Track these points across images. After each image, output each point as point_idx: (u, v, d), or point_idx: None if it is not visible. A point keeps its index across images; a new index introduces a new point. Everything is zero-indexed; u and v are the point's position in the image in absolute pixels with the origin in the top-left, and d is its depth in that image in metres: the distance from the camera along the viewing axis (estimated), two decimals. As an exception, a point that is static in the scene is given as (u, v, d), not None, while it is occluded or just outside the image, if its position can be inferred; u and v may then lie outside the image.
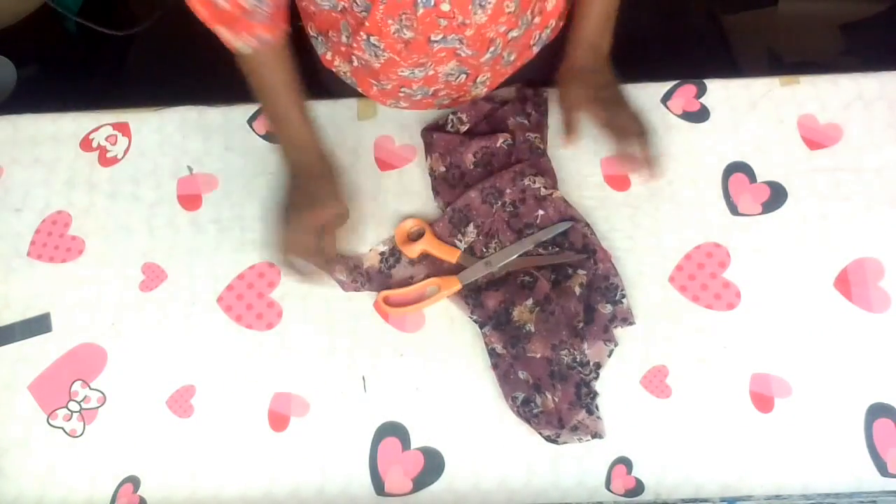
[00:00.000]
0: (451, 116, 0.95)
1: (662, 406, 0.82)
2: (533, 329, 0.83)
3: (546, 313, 0.83)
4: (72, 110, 1.01)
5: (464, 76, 0.89)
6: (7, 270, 0.92)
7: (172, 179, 0.96)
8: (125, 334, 0.88)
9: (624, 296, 0.85)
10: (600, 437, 0.80)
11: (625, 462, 0.80)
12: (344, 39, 0.87)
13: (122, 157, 0.97)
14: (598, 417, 0.81)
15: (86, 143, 0.99)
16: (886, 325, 0.84)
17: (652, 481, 0.79)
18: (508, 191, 0.90)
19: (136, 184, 0.96)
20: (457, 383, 0.84)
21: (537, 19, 0.89)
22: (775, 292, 0.86)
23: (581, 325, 0.83)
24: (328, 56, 0.94)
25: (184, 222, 0.93)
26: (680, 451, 0.80)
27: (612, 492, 0.79)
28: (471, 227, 0.90)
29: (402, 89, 0.91)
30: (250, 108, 0.99)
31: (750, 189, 0.91)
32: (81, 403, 0.85)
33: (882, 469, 0.78)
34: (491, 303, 0.85)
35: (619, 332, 0.84)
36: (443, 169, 0.93)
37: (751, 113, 0.95)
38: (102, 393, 0.86)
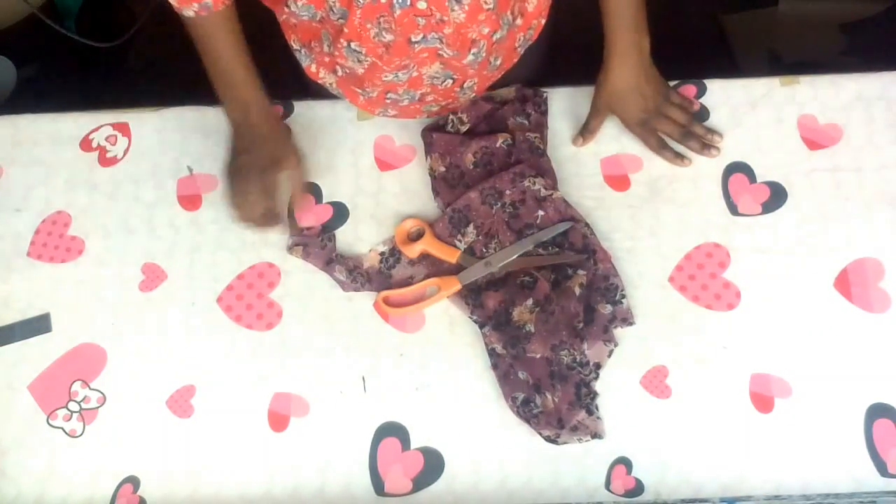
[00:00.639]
0: (451, 116, 0.94)
1: (662, 406, 0.82)
2: (533, 329, 0.83)
3: (546, 314, 0.83)
4: (72, 110, 1.01)
5: (450, 81, 0.88)
6: (7, 270, 0.92)
7: (172, 179, 0.96)
8: (125, 334, 0.88)
9: (624, 296, 0.85)
10: (600, 437, 0.80)
11: (625, 462, 0.80)
12: (326, 49, 0.86)
13: (122, 158, 0.97)
14: (598, 418, 0.81)
15: (86, 144, 0.98)
16: (886, 325, 0.84)
17: (652, 481, 0.79)
18: (508, 192, 0.90)
19: (136, 184, 0.96)
20: (457, 383, 0.84)
21: (519, 20, 0.88)
22: (775, 292, 0.86)
23: (581, 325, 0.83)
24: (313, 68, 0.93)
25: (184, 222, 0.93)
26: (680, 452, 0.80)
27: (611, 492, 0.79)
28: (471, 228, 0.89)
29: (389, 95, 0.90)
30: (250, 109, 0.99)
31: (750, 189, 0.91)
32: (81, 403, 0.85)
33: (882, 469, 0.78)
34: (491, 303, 0.85)
35: (619, 332, 0.84)
36: (443, 169, 0.93)
37: (751, 113, 0.94)
38: (102, 393, 0.86)
